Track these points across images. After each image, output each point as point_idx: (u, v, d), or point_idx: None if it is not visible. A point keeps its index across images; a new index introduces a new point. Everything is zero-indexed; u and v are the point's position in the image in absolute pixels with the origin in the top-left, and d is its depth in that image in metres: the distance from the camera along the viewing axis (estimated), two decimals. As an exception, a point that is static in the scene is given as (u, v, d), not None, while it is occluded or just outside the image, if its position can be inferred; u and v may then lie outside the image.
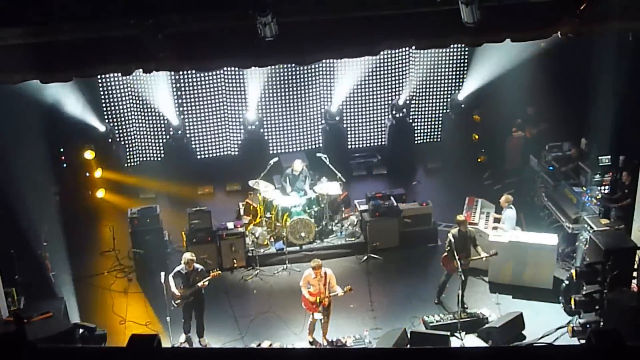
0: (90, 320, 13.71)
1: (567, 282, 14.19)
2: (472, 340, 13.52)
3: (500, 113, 19.22)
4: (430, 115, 20.92)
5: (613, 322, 12.55)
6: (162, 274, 13.21)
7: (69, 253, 15.90)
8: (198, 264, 13.47)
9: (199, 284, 13.21)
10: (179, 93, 19.23)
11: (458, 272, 13.55)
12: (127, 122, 19.34)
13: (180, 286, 13.16)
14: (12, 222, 14.68)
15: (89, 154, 17.95)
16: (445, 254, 14.12)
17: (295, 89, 19.72)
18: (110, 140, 18.63)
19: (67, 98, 17.06)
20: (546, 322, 13.92)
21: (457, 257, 13.59)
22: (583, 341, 12.77)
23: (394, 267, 16.09)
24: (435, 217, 16.79)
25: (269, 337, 13.80)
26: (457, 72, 20.25)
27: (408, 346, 12.91)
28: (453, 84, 20.38)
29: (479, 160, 19.72)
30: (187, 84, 19.20)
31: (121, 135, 19.36)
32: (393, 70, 20.05)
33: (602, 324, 12.99)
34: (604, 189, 16.20)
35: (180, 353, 7.85)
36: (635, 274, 13.24)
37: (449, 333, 13.14)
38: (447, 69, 20.21)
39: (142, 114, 19.36)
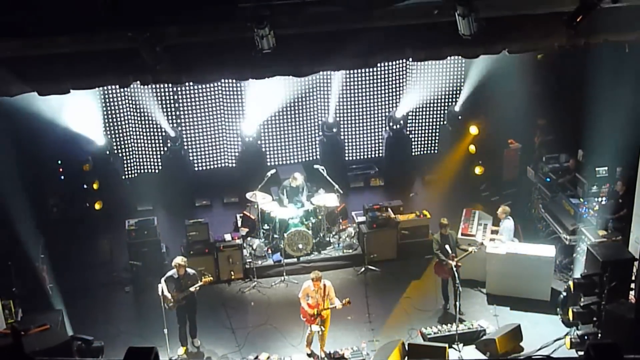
0: (87, 332, 13.64)
1: (564, 293, 14.18)
2: (470, 352, 13.51)
3: (497, 124, 19.25)
4: (427, 127, 20.96)
5: (611, 334, 12.51)
6: (160, 286, 13.24)
7: (67, 265, 15.90)
8: (190, 268, 13.51)
9: (191, 289, 13.25)
10: (177, 105, 19.26)
11: (456, 284, 13.53)
12: (124, 134, 19.35)
13: (173, 290, 13.19)
14: (9, 234, 14.67)
15: (86, 166, 17.94)
16: (436, 261, 14.18)
17: (292, 100, 19.75)
18: (108, 152, 18.62)
19: (65, 110, 17.05)
20: (544, 334, 13.91)
21: (449, 259, 13.69)
22: (581, 353, 12.86)
23: (392, 278, 16.07)
24: (433, 229, 16.76)
25: (267, 349, 13.78)
26: (454, 84, 20.29)
27: (406, 358, 12.90)
28: (450, 96, 20.43)
29: (477, 171, 19.72)
30: (184, 96, 19.23)
31: (119, 147, 19.36)
32: (390, 82, 20.11)
33: (600, 335, 12.96)
34: (601, 200, 16.22)
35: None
36: (633, 285, 13.23)
37: (446, 345, 13.12)
38: (443, 81, 20.26)
39: (140, 126, 19.37)
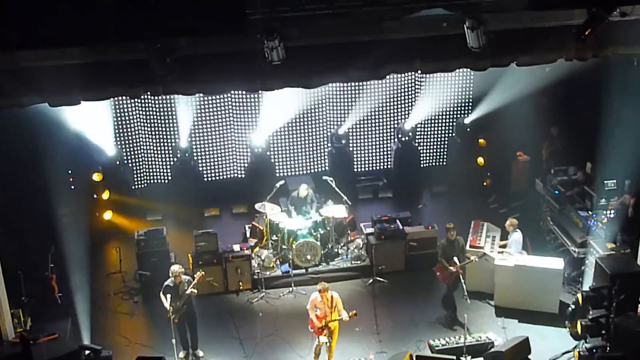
0: (96, 341, 13.73)
1: (573, 306, 14.13)
2: (477, 365, 13.51)
3: (506, 137, 19.26)
4: (436, 139, 20.95)
5: (619, 347, 12.49)
6: (162, 297, 13.36)
7: (76, 275, 15.94)
8: (186, 275, 13.59)
9: (187, 292, 13.32)
10: (186, 116, 19.30)
11: (464, 293, 13.52)
12: (135, 144, 19.42)
13: (172, 299, 13.25)
14: (19, 243, 14.74)
15: (96, 176, 18.03)
16: (438, 265, 14.50)
17: (301, 112, 19.79)
18: (117, 162, 18.69)
19: (75, 120, 17.13)
20: (552, 347, 13.88)
21: (449, 265, 14.08)
22: (589, 366, 12.81)
23: (400, 290, 16.07)
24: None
25: (274, 360, 13.81)
26: (463, 96, 20.30)
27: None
28: (459, 108, 20.44)
29: (485, 184, 19.74)
30: (194, 107, 19.28)
31: (129, 157, 19.43)
32: (399, 94, 20.12)
33: (608, 348, 12.93)
34: (610, 213, 16.18)
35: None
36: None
37: (454, 357, 13.09)
38: (452, 93, 20.27)
39: (150, 136, 19.45)
